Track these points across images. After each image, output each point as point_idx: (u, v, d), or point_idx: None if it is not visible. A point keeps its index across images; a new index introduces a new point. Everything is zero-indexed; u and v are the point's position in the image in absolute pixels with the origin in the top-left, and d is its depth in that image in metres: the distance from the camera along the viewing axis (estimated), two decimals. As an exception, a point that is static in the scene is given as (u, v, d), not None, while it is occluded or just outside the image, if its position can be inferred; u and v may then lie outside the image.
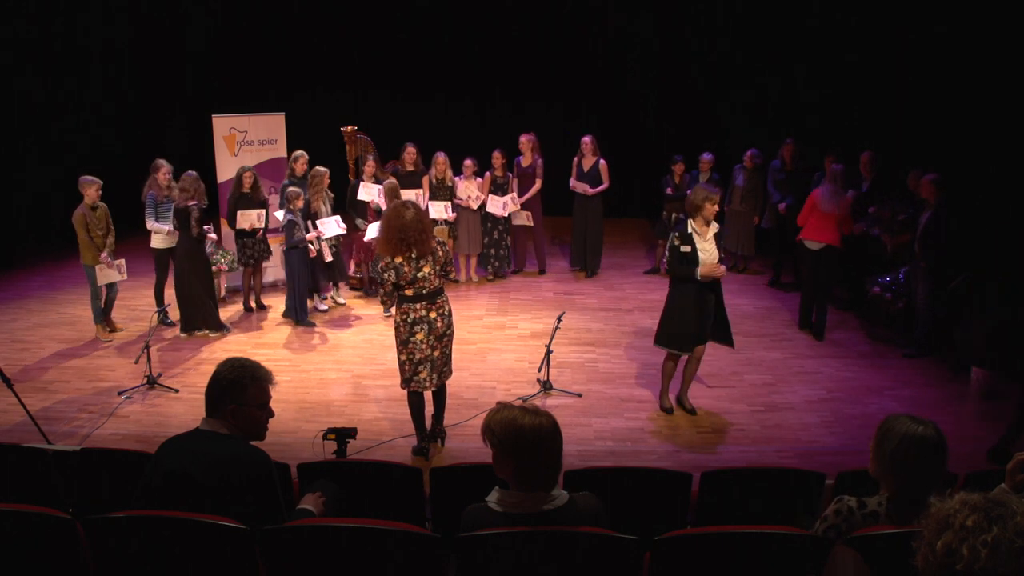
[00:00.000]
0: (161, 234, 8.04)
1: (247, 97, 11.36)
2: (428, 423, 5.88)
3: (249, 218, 8.42)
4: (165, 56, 12.18)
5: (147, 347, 6.80)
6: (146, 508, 2.81)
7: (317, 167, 8.74)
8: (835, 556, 2.49)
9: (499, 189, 9.62)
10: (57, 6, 11.18)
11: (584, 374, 7.17)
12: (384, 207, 8.05)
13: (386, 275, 5.31)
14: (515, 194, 9.64)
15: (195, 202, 7.73)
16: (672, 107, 12.58)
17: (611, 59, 12.68)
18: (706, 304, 6.07)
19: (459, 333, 6.53)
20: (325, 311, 8.80)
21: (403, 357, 5.54)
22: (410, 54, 12.61)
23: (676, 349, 6.19)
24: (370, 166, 9.08)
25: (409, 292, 5.39)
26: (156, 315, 7.44)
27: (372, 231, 8.45)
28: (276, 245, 9.29)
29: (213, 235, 8.13)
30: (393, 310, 5.69)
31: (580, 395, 6.72)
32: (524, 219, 9.82)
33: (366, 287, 9.42)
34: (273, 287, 9.48)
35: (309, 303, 8.67)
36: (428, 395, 5.78)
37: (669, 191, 10.01)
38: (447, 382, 5.82)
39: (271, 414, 3.00)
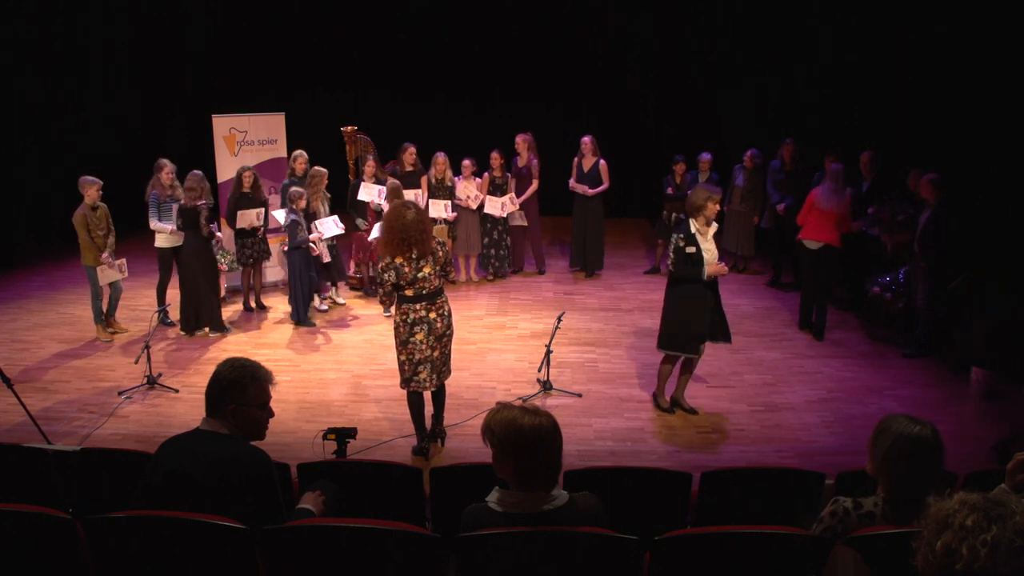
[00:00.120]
0: (164, 233, 8.05)
1: (247, 97, 11.36)
2: (428, 423, 5.88)
3: (248, 217, 8.43)
4: (165, 56, 12.18)
5: (147, 347, 6.80)
6: (146, 508, 2.81)
7: (316, 167, 8.74)
8: (835, 556, 2.49)
9: (498, 189, 9.62)
10: (57, 6, 11.17)
11: (584, 374, 7.17)
12: (385, 208, 8.05)
13: (386, 275, 5.31)
14: (513, 194, 9.64)
15: (203, 201, 7.75)
16: (672, 107, 12.58)
17: (611, 59, 12.68)
18: (708, 303, 6.09)
19: (459, 333, 6.53)
20: (325, 311, 8.80)
21: (403, 357, 5.54)
22: (410, 54, 12.61)
23: (684, 352, 6.18)
24: (370, 166, 9.08)
25: (409, 292, 5.39)
26: (156, 315, 7.43)
27: (377, 231, 8.46)
28: (275, 245, 9.30)
29: (220, 234, 8.15)
30: (393, 310, 5.69)
31: (580, 395, 6.72)
32: (518, 219, 9.82)
33: (366, 287, 9.42)
34: (273, 287, 9.49)
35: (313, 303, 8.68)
36: (427, 395, 5.78)
37: (670, 191, 10.01)
38: (446, 382, 5.82)
39: (271, 414, 3.00)
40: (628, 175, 12.04)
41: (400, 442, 5.95)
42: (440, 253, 5.46)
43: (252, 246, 8.63)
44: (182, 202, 7.76)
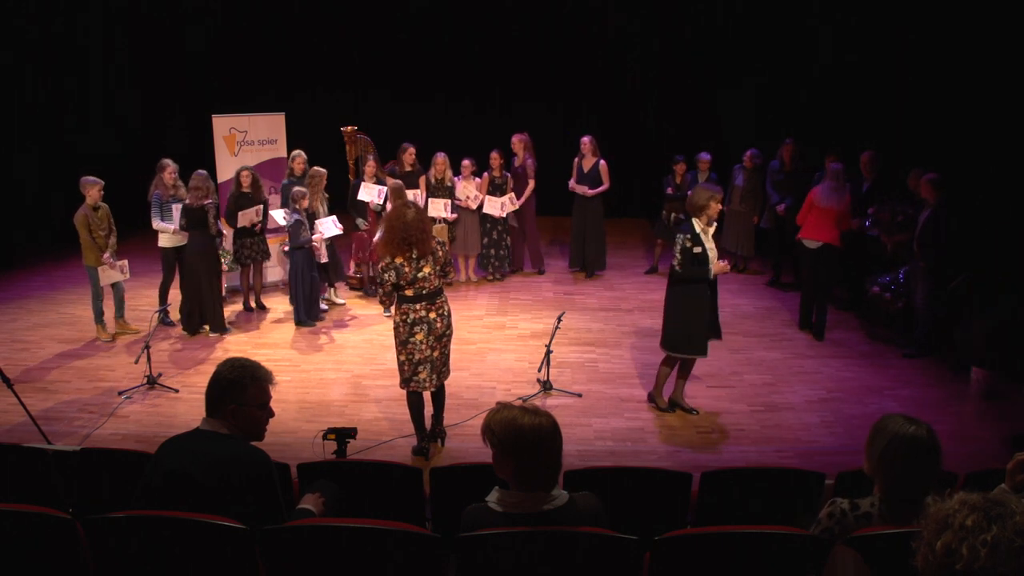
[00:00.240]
0: (167, 233, 8.06)
1: (247, 97, 11.36)
2: (428, 423, 5.88)
3: (249, 215, 8.43)
4: (165, 56, 12.18)
5: (147, 347, 6.80)
6: (146, 508, 2.81)
7: (315, 167, 8.74)
8: (835, 556, 2.49)
9: (497, 189, 9.62)
10: (57, 6, 11.18)
11: (584, 374, 7.17)
12: (388, 208, 8.06)
13: (386, 275, 5.31)
14: (513, 194, 9.63)
15: (210, 200, 7.76)
16: (672, 107, 12.58)
17: (611, 59, 12.68)
18: (709, 302, 6.11)
19: (459, 333, 6.54)
20: (325, 310, 8.79)
21: (402, 357, 5.55)
22: (410, 54, 12.61)
23: (691, 353, 6.18)
24: (371, 166, 9.08)
25: (409, 292, 5.39)
26: (156, 315, 7.43)
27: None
28: (275, 246, 9.30)
29: (227, 231, 8.18)
30: (392, 310, 5.69)
31: (580, 395, 6.72)
32: (510, 220, 9.79)
33: (366, 287, 9.42)
34: (273, 287, 9.48)
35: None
36: (427, 395, 5.78)
37: (670, 191, 10.01)
38: (446, 382, 5.82)
39: (271, 414, 3.00)
40: (628, 175, 12.05)
41: (400, 442, 5.95)
42: (440, 253, 5.47)
43: (251, 246, 8.63)
44: (187, 202, 7.77)
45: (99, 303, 7.87)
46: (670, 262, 6.15)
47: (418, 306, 5.42)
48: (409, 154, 9.47)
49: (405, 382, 5.60)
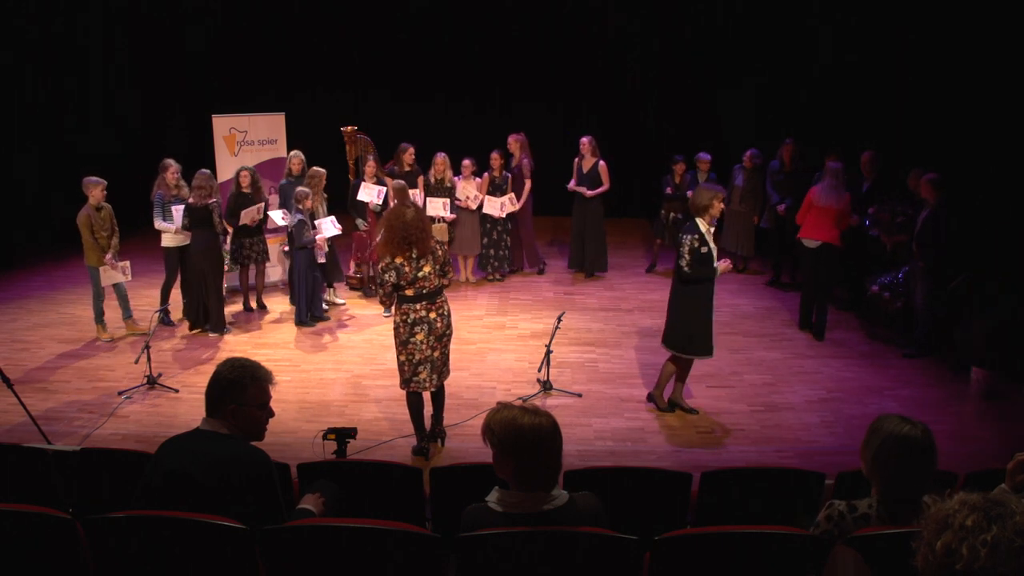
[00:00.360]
0: (169, 233, 8.06)
1: (247, 97, 11.36)
2: (427, 423, 5.88)
3: (250, 214, 8.44)
4: (165, 56, 12.18)
5: (147, 347, 6.80)
6: (146, 508, 2.81)
7: (315, 167, 8.74)
8: (835, 556, 2.49)
9: (497, 189, 9.61)
10: (57, 6, 11.18)
11: (584, 374, 7.17)
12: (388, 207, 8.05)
13: (387, 276, 5.32)
14: (513, 195, 9.62)
15: (214, 199, 7.77)
16: (672, 107, 12.58)
17: (611, 59, 12.67)
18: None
19: (459, 333, 6.54)
20: (325, 310, 8.79)
21: (402, 358, 5.54)
22: (410, 54, 12.61)
23: (698, 354, 6.17)
24: (371, 166, 9.07)
25: (409, 292, 5.39)
26: (156, 315, 7.43)
27: None
28: (274, 246, 9.29)
29: (229, 229, 8.20)
30: (392, 310, 5.69)
31: (580, 395, 6.72)
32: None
33: (365, 287, 9.42)
34: (273, 287, 9.48)
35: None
36: (426, 395, 5.78)
37: (669, 191, 10.01)
38: (446, 382, 5.82)
39: (271, 414, 3.00)
40: (628, 175, 12.04)
41: (400, 442, 5.95)
42: (439, 252, 5.47)
43: (251, 246, 8.63)
44: (190, 201, 7.78)
45: (99, 303, 7.87)
46: (672, 262, 6.15)
47: (418, 306, 5.42)
48: (409, 154, 9.46)
49: (405, 382, 5.60)
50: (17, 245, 10.89)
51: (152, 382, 6.82)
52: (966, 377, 6.91)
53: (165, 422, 6.24)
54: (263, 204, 8.56)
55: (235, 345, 7.87)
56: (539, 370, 6.84)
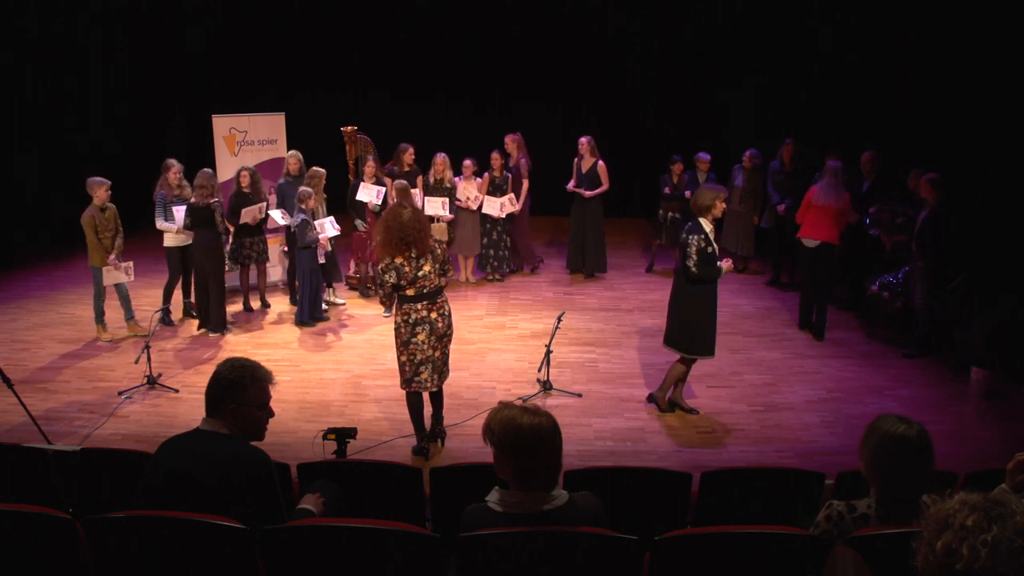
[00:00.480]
0: (170, 233, 8.07)
1: (247, 97, 11.36)
2: (427, 423, 5.88)
3: (252, 212, 8.44)
4: (165, 56, 12.18)
5: (147, 347, 6.80)
6: (146, 508, 2.81)
7: (314, 168, 8.74)
8: (835, 556, 2.49)
9: (497, 190, 9.60)
10: (57, 6, 11.18)
11: (584, 374, 7.17)
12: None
13: (387, 276, 5.32)
14: (513, 195, 9.61)
15: (216, 199, 7.78)
16: (672, 107, 12.58)
17: (611, 59, 12.67)
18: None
19: (459, 333, 6.53)
20: (325, 310, 8.79)
21: (403, 358, 5.54)
22: (410, 54, 12.60)
23: (704, 354, 6.17)
24: (370, 166, 9.07)
25: (410, 292, 5.39)
26: (156, 315, 7.43)
27: None
28: (274, 246, 9.29)
29: (231, 228, 8.21)
30: (393, 310, 5.69)
31: (580, 395, 6.72)
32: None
33: (363, 286, 9.41)
34: (274, 287, 9.47)
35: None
36: (426, 395, 5.78)
37: (667, 191, 10.00)
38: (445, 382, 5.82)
39: (271, 414, 3.00)
40: (628, 175, 12.04)
41: (400, 442, 5.95)
42: (439, 251, 5.47)
43: (251, 246, 8.64)
44: (192, 200, 7.79)
45: (100, 303, 7.87)
46: (671, 263, 6.16)
47: (419, 306, 5.42)
48: (408, 154, 9.46)
49: (406, 383, 5.60)
50: (17, 245, 10.88)
51: (152, 382, 6.82)
52: (966, 377, 6.91)
53: (165, 422, 6.24)
54: (264, 204, 8.56)
55: (235, 345, 7.86)
56: (539, 370, 6.84)
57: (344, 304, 9.07)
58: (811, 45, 11.12)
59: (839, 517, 2.69)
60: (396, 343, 5.56)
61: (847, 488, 3.64)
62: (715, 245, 5.97)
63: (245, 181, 8.50)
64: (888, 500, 2.63)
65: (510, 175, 9.71)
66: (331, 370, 7.29)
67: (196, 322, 8.30)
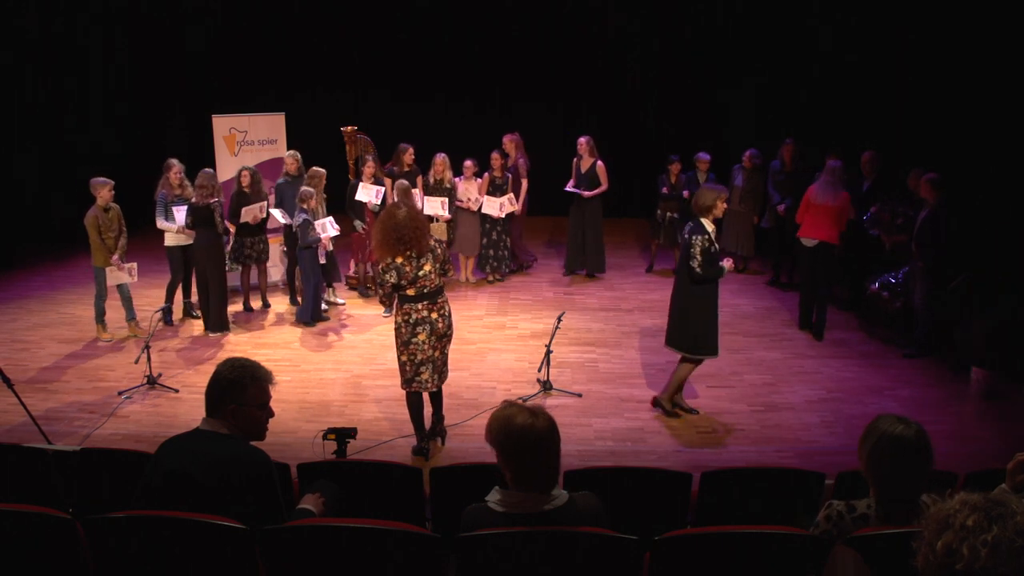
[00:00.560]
0: (170, 232, 8.07)
1: (247, 97, 11.36)
2: (427, 423, 5.88)
3: (252, 211, 8.44)
4: (165, 56, 12.18)
5: (147, 347, 6.80)
6: (146, 508, 2.81)
7: (315, 167, 8.74)
8: (835, 556, 2.49)
9: (498, 190, 9.59)
10: (57, 6, 11.18)
11: (584, 374, 7.17)
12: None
13: (387, 276, 5.31)
14: (512, 195, 9.61)
15: (216, 199, 7.78)
16: (672, 107, 12.58)
17: (611, 59, 12.67)
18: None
19: (459, 333, 6.53)
20: (326, 310, 8.79)
21: (404, 358, 5.54)
22: (410, 54, 12.60)
23: (711, 353, 6.16)
24: (370, 166, 9.06)
25: (411, 292, 5.39)
26: (157, 314, 7.42)
27: None
28: (275, 246, 9.29)
29: (232, 228, 8.21)
30: (393, 310, 5.69)
31: (580, 395, 6.72)
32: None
33: (362, 286, 9.41)
34: (274, 287, 9.47)
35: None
36: (426, 395, 5.78)
37: (664, 191, 9.99)
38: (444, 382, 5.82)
39: (271, 414, 3.00)
40: (628, 175, 12.04)
41: (400, 442, 5.95)
42: (439, 251, 5.47)
43: (252, 246, 8.64)
44: (193, 200, 7.79)
45: (101, 303, 7.88)
46: (671, 263, 6.15)
47: (420, 306, 5.42)
48: (408, 154, 9.45)
49: (407, 383, 5.60)
50: (17, 245, 10.89)
51: (152, 382, 6.82)
52: (966, 377, 6.91)
53: (165, 422, 6.24)
54: (265, 203, 8.57)
55: (235, 345, 7.86)
56: (539, 370, 6.84)
57: (344, 304, 9.07)
58: (811, 45, 11.12)
59: (839, 517, 2.69)
60: (396, 343, 5.56)
61: (847, 488, 3.64)
62: (716, 245, 5.98)
63: (246, 181, 8.50)
64: (887, 500, 2.64)
65: (510, 175, 9.71)
66: (331, 370, 7.29)
67: (196, 322, 8.31)
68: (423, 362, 5.50)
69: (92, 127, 11.58)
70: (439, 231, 9.08)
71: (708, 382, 6.95)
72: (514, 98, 12.67)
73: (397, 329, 5.51)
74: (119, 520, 2.74)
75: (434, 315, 5.45)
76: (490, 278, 9.86)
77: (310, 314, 8.30)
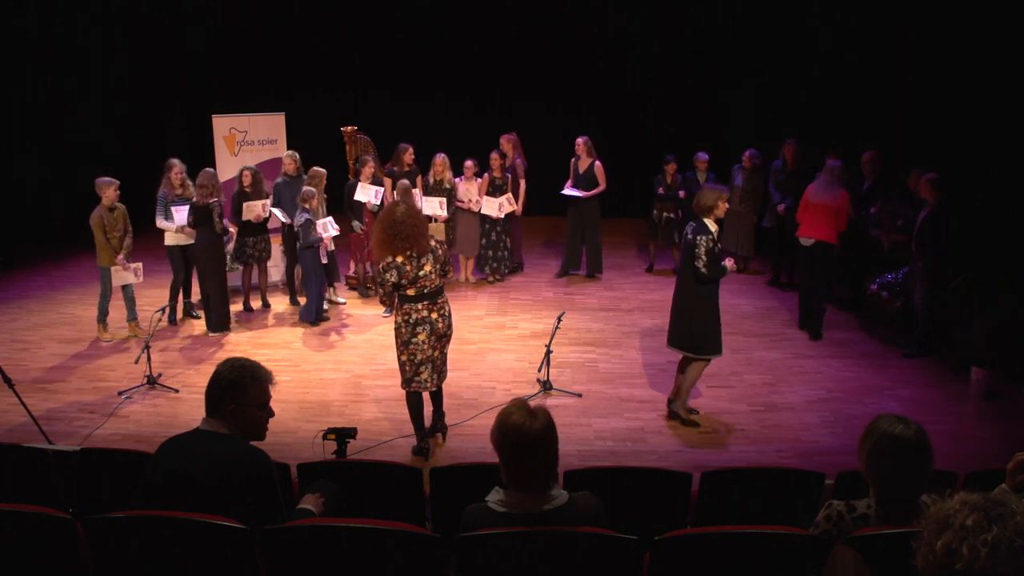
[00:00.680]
0: (170, 231, 8.07)
1: (247, 97, 11.36)
2: (427, 422, 5.88)
3: (255, 209, 8.44)
4: (165, 56, 12.18)
5: (147, 347, 6.80)
6: (146, 508, 2.81)
7: (315, 167, 8.74)
8: (835, 556, 2.49)
9: (497, 190, 9.59)
10: (57, 6, 11.18)
11: (584, 374, 7.17)
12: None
13: (387, 275, 5.31)
14: (511, 195, 9.60)
15: (216, 199, 7.79)
16: (672, 107, 12.58)
17: (611, 59, 12.67)
18: None
19: (459, 333, 6.53)
20: (326, 310, 8.79)
21: (404, 358, 5.54)
22: (410, 54, 12.60)
23: (716, 353, 6.13)
24: (370, 167, 9.06)
25: (411, 292, 5.39)
26: (157, 314, 7.42)
27: None
28: (276, 246, 9.29)
29: (233, 229, 8.20)
30: (393, 310, 5.69)
31: (580, 395, 6.72)
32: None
33: (361, 286, 9.41)
34: (274, 287, 9.47)
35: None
36: (426, 395, 5.78)
37: (660, 191, 9.98)
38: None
39: (271, 414, 3.00)
40: (628, 175, 12.04)
41: (400, 442, 5.95)
42: (440, 252, 5.47)
43: (253, 245, 8.65)
44: (194, 200, 7.80)
45: (105, 303, 7.88)
46: (669, 263, 6.15)
47: (420, 306, 5.42)
48: (408, 154, 9.45)
49: (407, 382, 5.60)
50: (17, 245, 10.89)
51: (152, 382, 6.82)
52: (966, 377, 6.91)
53: (165, 422, 6.24)
54: (267, 201, 8.57)
55: (235, 345, 7.87)
56: (539, 370, 6.84)
57: (344, 303, 9.07)
58: (811, 45, 11.12)
59: (839, 517, 2.69)
60: (396, 343, 5.56)
61: (847, 488, 3.64)
62: (719, 244, 5.99)
63: (247, 180, 8.51)
64: (887, 500, 2.64)
65: (509, 176, 9.70)
66: (331, 370, 7.29)
67: (197, 322, 8.32)
68: (423, 362, 5.50)
69: (92, 127, 11.58)
70: (438, 231, 9.08)
71: (708, 382, 6.94)
72: (514, 98, 12.67)
73: (397, 329, 5.51)
74: (119, 520, 2.74)
75: (434, 315, 5.45)
76: (490, 278, 9.86)
77: (314, 314, 8.30)
